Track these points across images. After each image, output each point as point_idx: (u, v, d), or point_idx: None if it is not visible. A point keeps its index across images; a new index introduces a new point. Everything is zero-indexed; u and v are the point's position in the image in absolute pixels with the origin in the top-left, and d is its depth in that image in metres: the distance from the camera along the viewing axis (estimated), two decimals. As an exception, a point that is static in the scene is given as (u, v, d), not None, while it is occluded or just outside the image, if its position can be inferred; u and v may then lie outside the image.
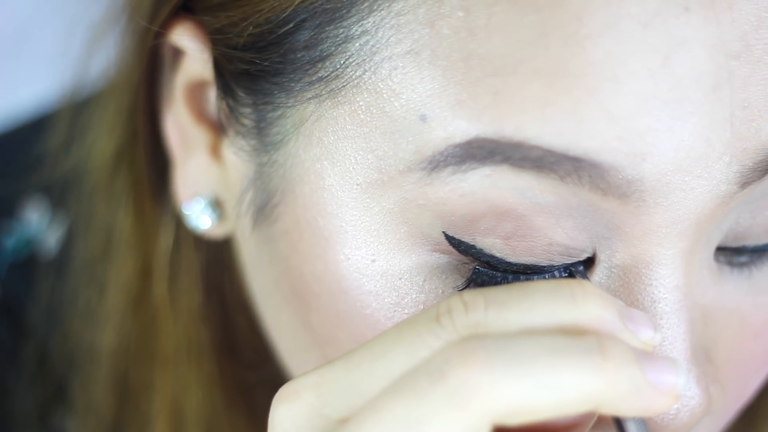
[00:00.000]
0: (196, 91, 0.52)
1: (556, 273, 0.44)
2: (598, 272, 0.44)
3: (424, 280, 0.45)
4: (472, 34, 0.41)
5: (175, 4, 0.50)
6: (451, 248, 0.44)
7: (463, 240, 0.44)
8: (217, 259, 0.58)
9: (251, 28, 0.46)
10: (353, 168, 0.45)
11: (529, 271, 0.44)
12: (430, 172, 0.43)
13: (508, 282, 0.44)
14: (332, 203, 0.46)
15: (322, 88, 0.45)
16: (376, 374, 0.39)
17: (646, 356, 0.38)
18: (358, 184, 0.45)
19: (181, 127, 0.53)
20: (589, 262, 0.44)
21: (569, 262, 0.44)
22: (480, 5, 0.41)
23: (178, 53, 0.52)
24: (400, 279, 0.45)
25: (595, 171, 0.41)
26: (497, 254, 0.43)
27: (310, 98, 0.45)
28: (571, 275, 0.44)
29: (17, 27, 0.65)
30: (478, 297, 0.39)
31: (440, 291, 0.45)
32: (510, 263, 0.44)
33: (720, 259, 0.45)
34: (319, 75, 0.45)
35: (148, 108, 0.55)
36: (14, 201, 0.66)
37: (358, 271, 0.45)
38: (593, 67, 0.40)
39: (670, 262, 0.43)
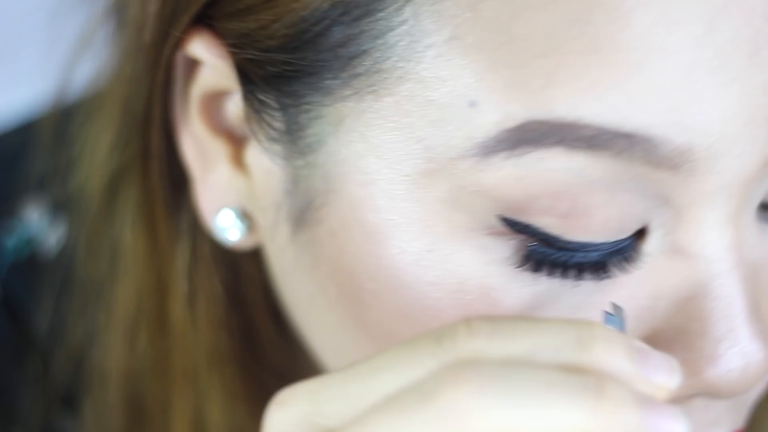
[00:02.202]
0: (210, 102, 0.52)
1: (607, 250, 0.44)
2: (650, 243, 0.45)
3: (483, 264, 0.45)
4: (515, 15, 0.41)
5: (195, 13, 0.49)
6: (506, 229, 0.44)
7: (519, 221, 0.44)
8: (237, 270, 0.58)
9: (284, 29, 0.45)
10: (401, 160, 0.44)
11: (583, 249, 0.44)
12: (483, 158, 0.42)
13: (564, 259, 0.44)
14: (382, 197, 0.45)
15: (361, 83, 0.44)
16: (371, 388, 0.39)
17: (648, 402, 0.37)
18: (407, 176, 0.44)
19: (197, 141, 0.52)
20: (640, 235, 0.45)
21: (623, 237, 0.44)
22: None
23: (192, 64, 0.51)
24: (459, 266, 0.45)
25: (648, 144, 0.41)
26: (554, 232, 0.44)
27: (348, 95, 0.45)
28: (621, 252, 0.45)
29: (13, 25, 0.65)
30: (484, 325, 0.38)
31: (499, 272, 0.45)
32: (566, 241, 0.44)
33: (763, 217, 0.46)
34: (358, 71, 0.44)
35: (163, 123, 0.54)
36: (15, 200, 0.66)
37: (415, 263, 0.45)
38: (639, 40, 0.40)
39: (721, 224, 0.44)
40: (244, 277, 0.58)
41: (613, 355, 0.37)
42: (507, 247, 0.45)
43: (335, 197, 0.47)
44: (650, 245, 0.45)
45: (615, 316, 0.43)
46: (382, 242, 0.46)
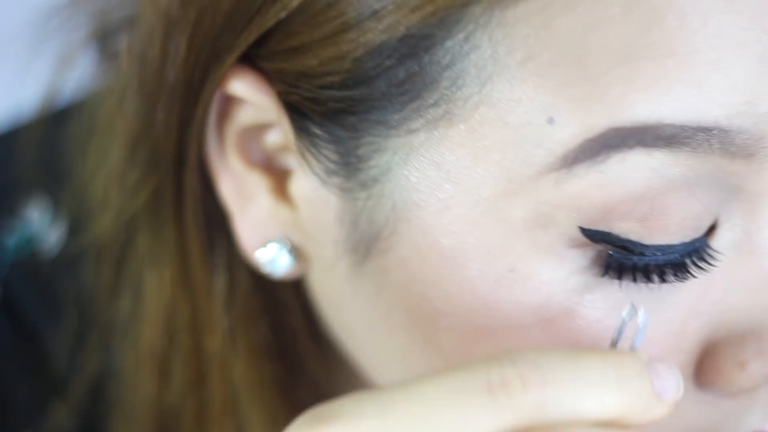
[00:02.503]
0: (247, 135, 0.51)
1: (684, 250, 0.45)
2: (722, 237, 0.46)
3: (565, 279, 0.45)
4: (589, 29, 0.41)
5: (239, 54, 0.48)
6: (586, 240, 0.44)
7: (599, 230, 0.44)
8: (274, 298, 0.57)
9: (347, 66, 0.45)
10: (479, 184, 0.44)
11: (662, 252, 0.45)
12: (565, 170, 0.43)
13: (645, 263, 0.45)
14: (458, 222, 0.45)
15: (432, 114, 0.44)
16: (412, 425, 0.38)
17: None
18: (485, 199, 0.44)
19: (234, 175, 0.52)
20: (711, 231, 0.46)
21: (697, 236, 0.45)
22: (589, 1, 0.41)
23: (228, 102, 0.51)
24: (541, 283, 0.45)
25: (725, 136, 0.42)
26: (633, 238, 0.44)
27: (419, 127, 0.45)
28: (697, 251, 0.45)
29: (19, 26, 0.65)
30: (532, 372, 0.38)
31: (582, 284, 0.45)
32: (645, 245, 0.44)
33: None
34: (428, 102, 0.44)
35: (198, 164, 0.53)
36: (16, 199, 0.65)
37: (496, 284, 0.45)
38: (714, 40, 0.41)
39: None
40: (282, 304, 0.58)
41: (646, 392, 0.40)
42: (587, 257, 0.45)
43: (406, 226, 0.46)
44: (722, 240, 0.46)
45: (630, 320, 0.44)
46: (460, 266, 0.45)
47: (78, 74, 0.64)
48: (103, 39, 0.63)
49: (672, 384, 0.40)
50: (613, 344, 0.44)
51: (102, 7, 0.63)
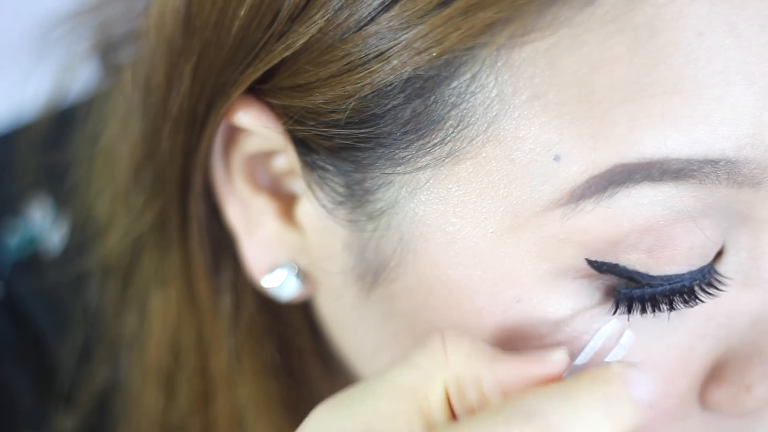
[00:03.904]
0: (253, 161, 0.51)
1: (691, 278, 0.45)
2: (727, 261, 0.46)
3: (574, 309, 0.45)
4: (595, 68, 0.41)
5: (245, 88, 0.48)
6: (593, 271, 0.45)
7: (606, 261, 0.44)
8: (280, 317, 0.58)
9: (353, 104, 0.45)
10: (485, 218, 0.45)
11: (669, 283, 0.45)
12: (572, 205, 0.43)
13: (652, 293, 0.45)
14: (465, 255, 0.45)
15: (439, 151, 0.45)
16: None
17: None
18: (491, 233, 0.45)
19: (240, 200, 0.52)
20: (718, 257, 0.46)
21: (704, 264, 0.45)
22: (595, 41, 0.41)
23: (234, 130, 0.51)
24: (548, 313, 0.45)
25: (732, 167, 0.42)
26: (640, 269, 0.44)
27: (425, 164, 0.45)
28: (704, 278, 0.46)
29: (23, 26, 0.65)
30: (543, 427, 0.40)
31: (591, 316, 0.46)
32: (653, 276, 0.45)
33: None
34: (434, 140, 0.44)
35: (203, 189, 0.53)
36: (18, 199, 0.65)
37: (502, 314, 0.46)
38: (719, 75, 0.41)
39: None
40: (288, 324, 0.58)
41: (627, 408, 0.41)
42: (594, 289, 0.46)
43: (412, 256, 0.47)
44: (728, 265, 0.46)
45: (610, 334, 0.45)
46: (468, 297, 0.46)
47: (83, 75, 0.64)
48: (106, 52, 0.63)
49: (646, 389, 0.42)
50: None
51: (104, 20, 0.63)
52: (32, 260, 0.65)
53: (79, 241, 0.63)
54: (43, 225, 0.65)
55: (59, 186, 0.64)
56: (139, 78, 0.53)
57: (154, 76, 0.52)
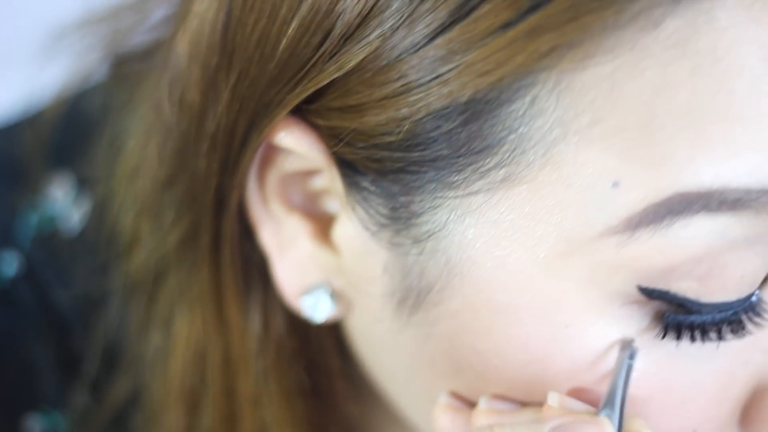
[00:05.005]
0: (288, 180, 0.50)
1: (739, 306, 0.45)
2: None
3: (622, 335, 0.45)
4: (657, 93, 0.41)
5: (290, 108, 0.47)
6: (643, 298, 0.44)
7: (657, 288, 0.44)
8: (308, 338, 0.56)
9: (406, 126, 0.43)
10: (536, 243, 0.44)
11: (718, 310, 0.44)
12: (628, 234, 0.42)
13: (702, 322, 0.45)
14: (514, 280, 0.45)
15: (493, 176, 0.43)
16: None
17: None
18: (543, 258, 0.44)
19: (274, 220, 0.51)
20: (764, 281, 0.46)
21: (751, 291, 0.45)
22: (657, 65, 0.41)
23: (272, 149, 0.49)
24: (597, 339, 0.45)
25: None
26: (691, 296, 0.44)
27: (478, 189, 0.44)
28: (752, 307, 0.45)
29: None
30: None
31: (636, 342, 0.45)
32: (702, 304, 0.44)
33: None
34: (488, 165, 0.43)
35: (237, 208, 0.52)
36: (41, 177, 0.65)
37: (550, 340, 0.45)
38: None
39: None
40: (317, 345, 0.57)
41: None
42: (643, 315, 0.45)
43: (459, 280, 0.46)
44: None
45: (627, 356, 0.45)
46: (515, 321, 0.45)
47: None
48: (117, 62, 0.62)
49: None
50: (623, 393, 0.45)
51: (113, 30, 0.62)
52: (52, 237, 0.64)
53: (99, 221, 0.62)
54: (65, 204, 0.65)
55: (81, 165, 0.64)
56: (173, 94, 0.51)
57: (188, 92, 0.50)
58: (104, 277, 0.62)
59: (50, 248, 0.64)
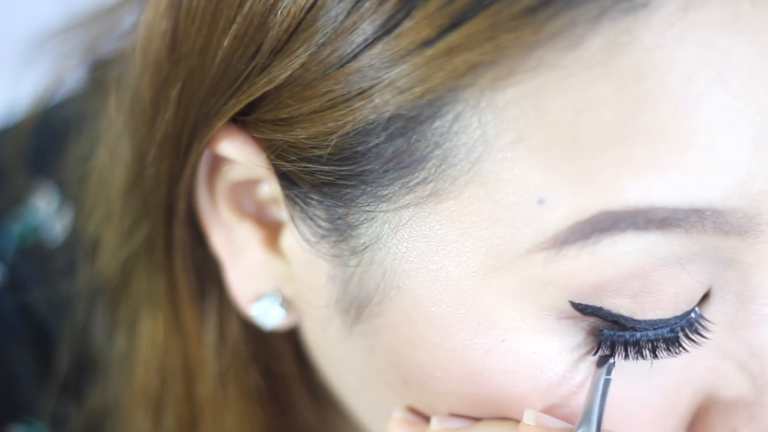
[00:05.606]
0: (237, 188, 0.51)
1: (676, 323, 0.45)
2: (714, 303, 0.46)
3: (558, 350, 0.45)
4: (580, 112, 0.41)
5: (226, 120, 0.48)
6: (577, 313, 0.44)
7: (590, 304, 0.44)
8: (266, 344, 0.57)
9: (335, 141, 0.44)
10: (467, 258, 0.44)
11: (654, 327, 0.45)
12: (555, 250, 0.43)
13: (636, 339, 0.45)
14: (448, 293, 0.45)
15: (421, 191, 0.44)
16: None
17: None
18: (474, 272, 0.44)
19: (225, 227, 0.52)
20: (703, 300, 0.46)
21: (689, 308, 0.45)
22: (580, 84, 0.40)
23: (218, 158, 0.50)
24: (533, 353, 0.45)
25: (719, 216, 0.42)
26: (625, 313, 0.44)
27: (408, 203, 0.44)
28: (690, 324, 0.45)
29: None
30: None
31: (575, 357, 0.45)
32: (637, 320, 0.44)
33: None
34: (417, 179, 0.44)
35: (187, 216, 0.53)
36: (24, 187, 0.66)
37: (487, 353, 0.45)
38: (707, 123, 0.40)
39: None
40: (273, 351, 0.58)
41: None
42: (579, 330, 0.45)
43: (396, 293, 0.47)
44: (714, 307, 0.46)
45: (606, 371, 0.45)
46: (451, 335, 0.46)
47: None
48: (94, 68, 0.63)
49: None
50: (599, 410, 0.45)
51: (93, 36, 0.63)
52: (34, 248, 0.65)
53: (81, 232, 0.63)
54: (47, 214, 0.66)
55: (63, 175, 0.64)
56: (125, 101, 0.53)
57: (141, 100, 0.51)
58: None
59: (33, 259, 0.65)
